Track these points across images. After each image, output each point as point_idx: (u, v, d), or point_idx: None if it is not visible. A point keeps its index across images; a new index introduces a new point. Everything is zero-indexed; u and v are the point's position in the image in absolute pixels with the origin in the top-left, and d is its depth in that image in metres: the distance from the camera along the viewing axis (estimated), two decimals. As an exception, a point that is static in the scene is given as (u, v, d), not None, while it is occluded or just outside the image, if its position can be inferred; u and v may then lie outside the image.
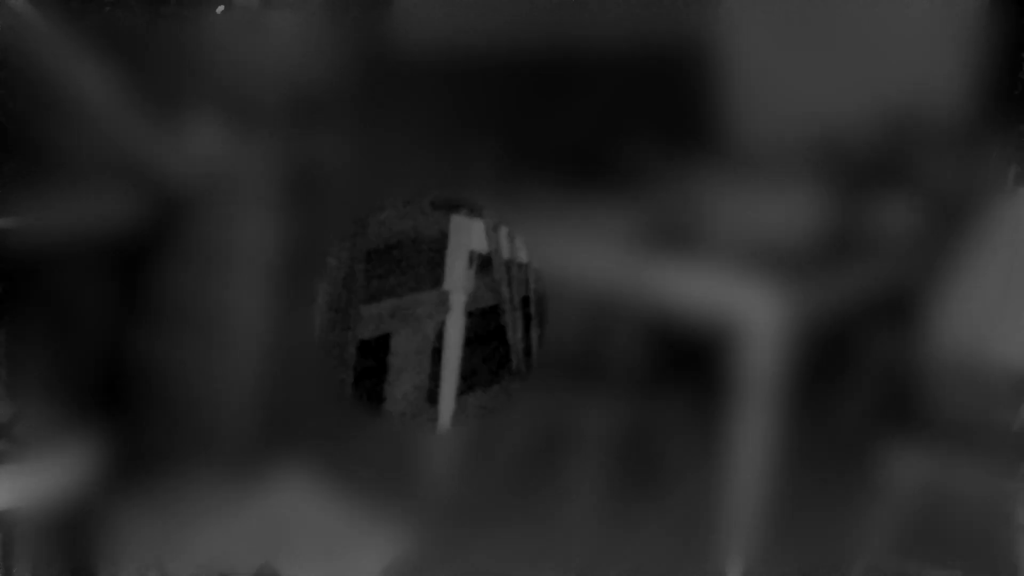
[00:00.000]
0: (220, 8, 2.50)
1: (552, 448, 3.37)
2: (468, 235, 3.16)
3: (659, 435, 2.94)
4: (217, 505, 2.56)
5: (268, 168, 2.54)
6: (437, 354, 3.38)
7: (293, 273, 2.62)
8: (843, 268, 2.81)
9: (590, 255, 2.87)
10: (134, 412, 2.45)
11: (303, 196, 2.58)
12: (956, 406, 2.73)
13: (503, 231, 2.97)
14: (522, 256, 2.97)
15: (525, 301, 3.02)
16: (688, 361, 2.78)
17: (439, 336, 3.38)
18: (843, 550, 2.83)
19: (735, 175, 2.76)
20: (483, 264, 3.21)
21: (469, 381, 3.48)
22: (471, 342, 3.37)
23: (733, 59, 2.73)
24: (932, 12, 2.80)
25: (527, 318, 3.01)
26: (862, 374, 2.82)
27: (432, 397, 3.40)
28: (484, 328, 3.63)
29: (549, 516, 2.93)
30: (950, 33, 2.80)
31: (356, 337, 2.87)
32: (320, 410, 2.76)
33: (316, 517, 2.62)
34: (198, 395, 2.53)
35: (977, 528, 2.72)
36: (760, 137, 2.77)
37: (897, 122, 2.79)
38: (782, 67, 2.77)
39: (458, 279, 3.21)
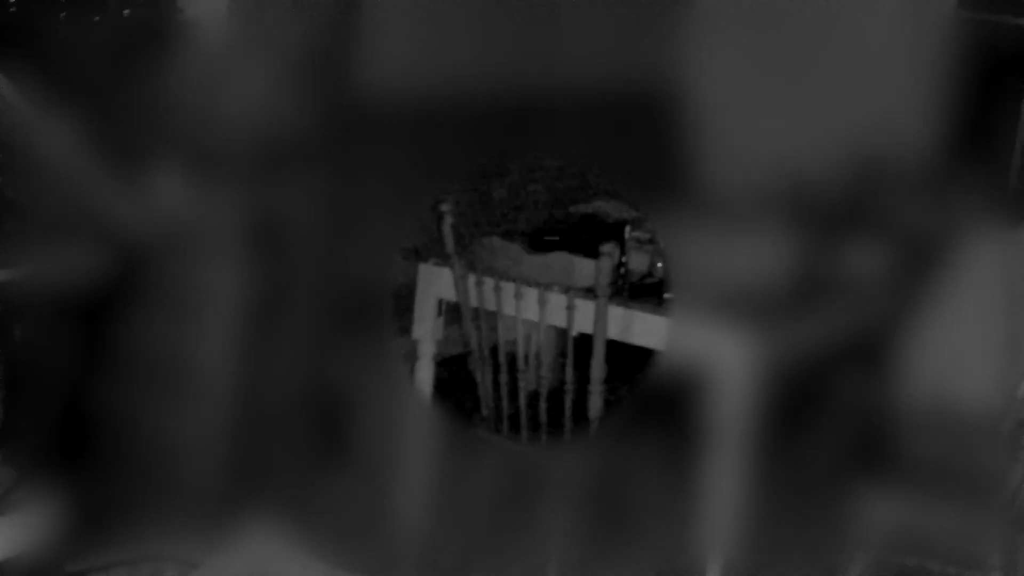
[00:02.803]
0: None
1: (524, 492, 3.36)
2: (437, 283, 3.15)
3: (631, 479, 2.94)
4: (187, 557, 2.54)
5: (234, 218, 2.53)
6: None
7: (260, 323, 2.60)
8: (813, 312, 2.81)
9: (560, 300, 2.86)
10: (102, 464, 2.43)
11: (269, 245, 2.56)
12: (928, 449, 2.73)
13: (471, 278, 2.95)
14: (490, 304, 2.95)
15: (494, 349, 3.00)
16: (659, 405, 2.78)
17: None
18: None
19: (705, 221, 2.77)
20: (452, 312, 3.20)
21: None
22: (441, 388, 3.35)
23: (702, 106, 2.74)
24: (899, 58, 2.82)
25: (496, 366, 2.99)
26: (834, 418, 2.82)
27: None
28: (453, 374, 3.62)
29: (521, 560, 2.92)
30: (917, 78, 2.82)
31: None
32: (290, 459, 2.74)
33: (286, 568, 2.60)
34: (167, 446, 2.51)
35: (950, 571, 2.73)
36: (729, 183, 2.77)
37: (865, 166, 2.80)
38: (751, 113, 2.78)
39: (427, 328, 3.19)
